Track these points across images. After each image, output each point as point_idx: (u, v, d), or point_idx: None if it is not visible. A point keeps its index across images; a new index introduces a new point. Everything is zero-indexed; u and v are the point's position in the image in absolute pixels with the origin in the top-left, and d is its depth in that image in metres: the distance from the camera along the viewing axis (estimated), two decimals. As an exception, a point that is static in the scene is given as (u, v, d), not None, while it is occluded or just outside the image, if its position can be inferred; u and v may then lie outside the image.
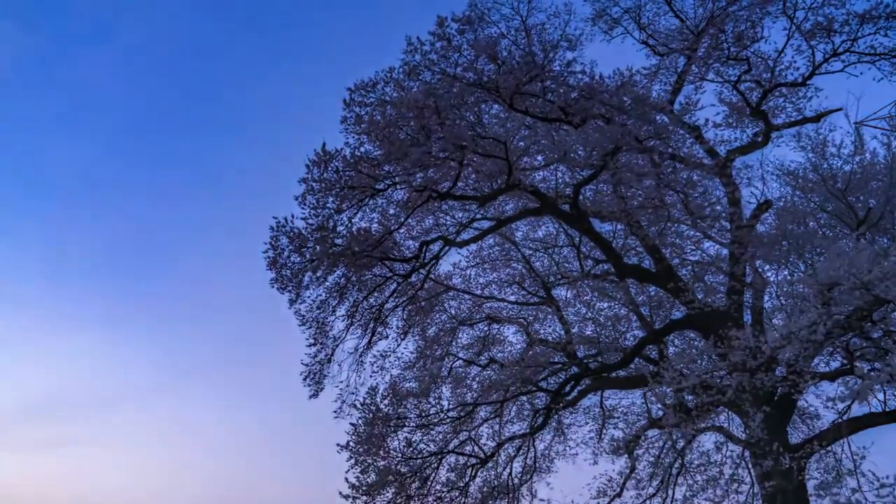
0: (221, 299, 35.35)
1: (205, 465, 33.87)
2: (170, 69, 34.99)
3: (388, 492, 14.79)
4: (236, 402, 35.50)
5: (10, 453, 32.76)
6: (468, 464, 15.63)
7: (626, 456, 14.72)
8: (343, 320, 14.71)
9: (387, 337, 15.82)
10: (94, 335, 35.06)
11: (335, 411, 14.85)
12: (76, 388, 36.26)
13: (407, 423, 15.42)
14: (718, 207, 13.60)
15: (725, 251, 13.82)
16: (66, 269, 35.64)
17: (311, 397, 14.51)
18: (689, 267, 15.02)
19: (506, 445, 15.94)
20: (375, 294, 14.87)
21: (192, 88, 35.27)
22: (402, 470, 14.98)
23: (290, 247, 13.42)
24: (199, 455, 34.06)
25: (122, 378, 36.04)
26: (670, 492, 14.58)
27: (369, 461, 14.90)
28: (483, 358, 16.80)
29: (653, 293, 15.48)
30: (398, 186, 13.67)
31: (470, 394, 16.23)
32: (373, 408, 15.00)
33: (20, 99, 33.30)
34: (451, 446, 15.68)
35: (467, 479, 15.49)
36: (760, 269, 13.89)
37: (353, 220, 13.50)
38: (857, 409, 12.23)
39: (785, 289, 12.78)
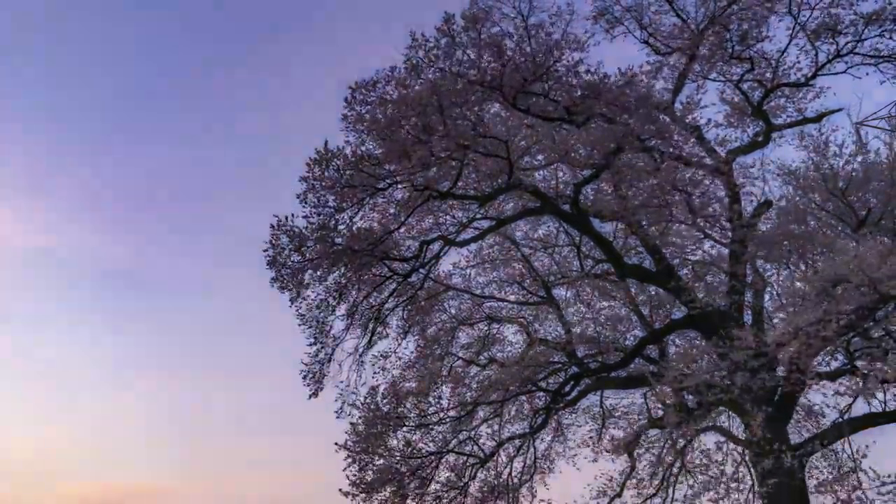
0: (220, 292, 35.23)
1: (204, 463, 33.75)
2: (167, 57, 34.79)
3: (386, 491, 14.75)
4: (235, 399, 35.45)
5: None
6: (468, 464, 15.60)
7: (626, 455, 14.74)
8: (343, 320, 14.66)
9: (387, 337, 15.80)
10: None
11: (336, 412, 14.80)
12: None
13: (406, 423, 15.38)
14: (719, 207, 13.60)
15: (726, 251, 13.82)
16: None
17: (310, 397, 14.43)
18: (690, 267, 15.00)
19: (506, 445, 15.89)
20: (375, 294, 14.81)
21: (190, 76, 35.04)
22: (402, 469, 14.94)
23: (291, 246, 13.36)
24: (198, 452, 33.91)
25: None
26: (670, 491, 14.61)
27: (367, 460, 14.86)
28: (483, 358, 16.75)
29: (653, 293, 15.46)
30: (399, 185, 13.63)
31: (470, 393, 16.17)
32: (373, 407, 14.95)
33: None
34: (450, 446, 15.63)
35: (467, 478, 15.46)
36: (761, 269, 13.92)
37: (353, 220, 13.46)
38: (858, 409, 12.32)
39: (787, 285, 12.79)
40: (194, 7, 33.85)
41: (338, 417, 14.75)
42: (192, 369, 35.34)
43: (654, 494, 14.62)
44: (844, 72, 12.45)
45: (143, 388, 35.98)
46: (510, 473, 15.88)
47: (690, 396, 12.80)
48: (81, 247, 36.09)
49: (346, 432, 14.91)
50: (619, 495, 14.69)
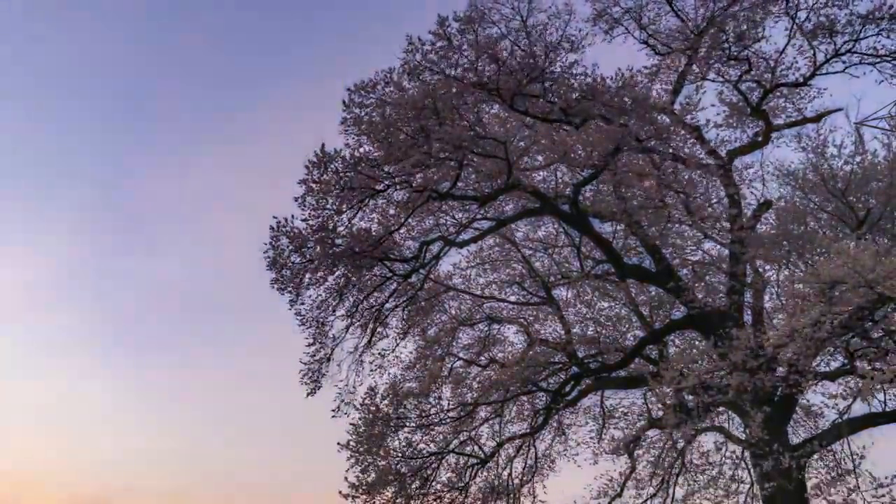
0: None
1: (204, 461, 33.87)
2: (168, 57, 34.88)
3: (388, 492, 14.81)
4: (235, 398, 35.56)
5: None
6: (468, 464, 15.64)
7: (626, 456, 14.73)
8: (343, 320, 14.70)
9: (387, 337, 15.85)
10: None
11: (333, 410, 14.88)
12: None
13: (407, 424, 15.43)
14: (719, 207, 13.60)
15: (726, 251, 13.83)
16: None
17: (308, 395, 14.52)
18: (690, 267, 15.00)
19: (506, 445, 15.94)
20: (375, 294, 14.84)
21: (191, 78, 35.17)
22: (402, 470, 14.99)
23: (291, 247, 13.41)
24: (198, 450, 34.02)
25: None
26: (670, 492, 14.58)
27: (369, 460, 14.91)
28: (483, 358, 16.77)
29: (653, 293, 15.49)
30: (398, 187, 13.65)
31: (470, 394, 16.22)
32: (372, 408, 15.00)
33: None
34: (451, 446, 15.69)
35: (467, 479, 15.51)
36: (761, 269, 13.90)
37: (353, 221, 13.49)
38: (858, 410, 12.29)
39: (787, 286, 12.77)
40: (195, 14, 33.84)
41: (333, 416, 14.85)
42: (190, 369, 35.45)
43: (655, 495, 14.60)
44: (843, 71, 12.44)
45: (141, 388, 36.06)
46: (510, 474, 15.92)
47: (690, 397, 12.81)
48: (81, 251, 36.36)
49: (348, 432, 14.99)
50: (619, 495, 14.66)
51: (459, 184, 13.77)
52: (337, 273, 14.03)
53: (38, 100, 34.62)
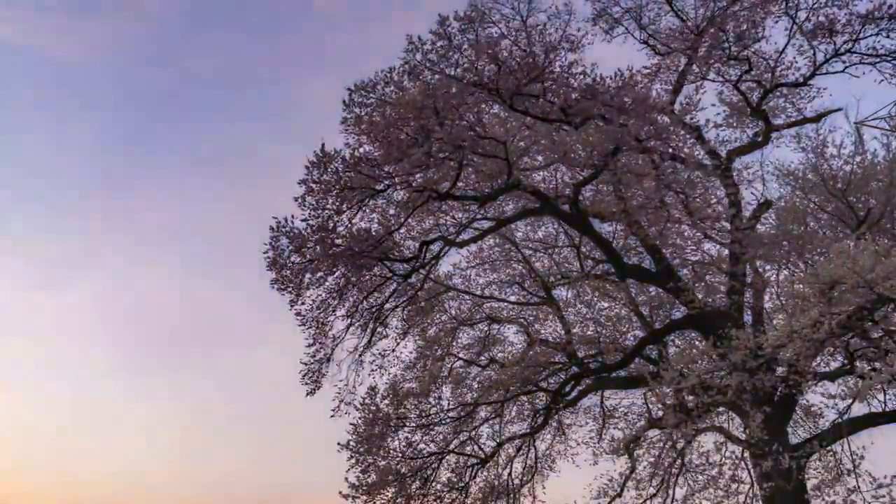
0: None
1: (203, 462, 33.87)
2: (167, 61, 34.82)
3: (388, 492, 14.81)
4: (234, 400, 35.56)
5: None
6: (468, 464, 15.64)
7: (626, 456, 14.73)
8: (343, 320, 14.71)
9: (386, 337, 15.85)
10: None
11: (333, 410, 14.90)
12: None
13: (407, 424, 15.43)
14: (719, 208, 13.60)
15: (726, 251, 13.83)
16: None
17: (308, 395, 14.53)
18: (690, 267, 15.01)
19: (506, 445, 15.94)
20: (375, 294, 14.84)
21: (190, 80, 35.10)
22: (403, 470, 14.99)
23: (291, 247, 13.40)
24: (197, 451, 34.01)
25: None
26: (670, 492, 14.58)
27: (370, 461, 14.92)
28: (483, 358, 16.78)
29: (653, 293, 15.48)
30: (398, 187, 13.65)
31: (470, 394, 16.23)
32: (372, 408, 15.01)
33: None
34: (451, 446, 15.69)
35: (467, 479, 15.51)
36: (761, 269, 13.91)
37: (353, 221, 13.48)
38: (858, 410, 12.29)
39: (787, 286, 12.77)
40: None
41: (332, 416, 14.87)
42: (189, 370, 35.43)
43: (655, 495, 14.59)
44: (842, 71, 12.47)
45: (140, 390, 36.00)
46: (510, 474, 15.93)
47: (690, 397, 12.81)
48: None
49: (348, 432, 15.01)
50: (619, 495, 14.65)
51: (459, 184, 13.76)
52: (337, 273, 14.02)
53: (37, 101, 34.63)
